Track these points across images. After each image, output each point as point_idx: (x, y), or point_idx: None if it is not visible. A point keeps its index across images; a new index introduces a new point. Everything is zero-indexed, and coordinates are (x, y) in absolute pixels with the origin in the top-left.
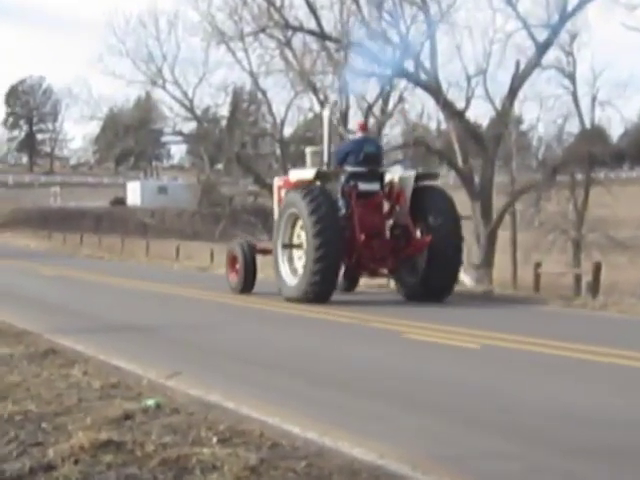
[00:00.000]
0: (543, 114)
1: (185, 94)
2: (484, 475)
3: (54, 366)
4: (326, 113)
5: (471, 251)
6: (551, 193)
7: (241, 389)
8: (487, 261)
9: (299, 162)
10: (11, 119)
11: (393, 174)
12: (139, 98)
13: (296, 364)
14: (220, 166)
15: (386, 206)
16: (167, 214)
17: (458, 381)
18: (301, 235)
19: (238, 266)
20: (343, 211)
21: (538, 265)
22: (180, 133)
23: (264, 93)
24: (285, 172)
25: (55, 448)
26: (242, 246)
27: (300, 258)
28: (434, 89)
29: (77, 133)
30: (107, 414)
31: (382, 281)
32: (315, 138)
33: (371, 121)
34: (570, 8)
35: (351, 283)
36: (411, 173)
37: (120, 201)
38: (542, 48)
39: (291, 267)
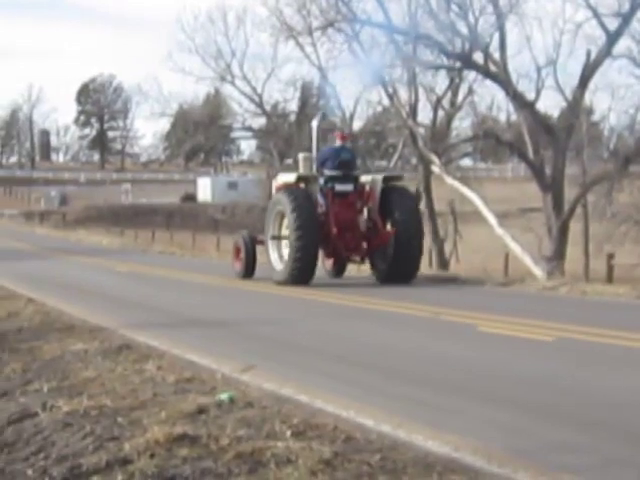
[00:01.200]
0: (615, 104)
1: (254, 89)
2: (560, 468)
3: (128, 361)
4: (314, 124)
5: (543, 243)
6: (623, 184)
7: (314, 382)
8: (559, 253)
9: (368, 156)
10: (82, 117)
11: (366, 177)
12: (208, 94)
13: (369, 357)
14: (290, 161)
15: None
16: (237, 209)
17: (532, 374)
18: (285, 229)
19: (241, 255)
20: (323, 208)
21: (611, 256)
22: (249, 128)
23: (333, 87)
24: None
25: (131, 442)
26: (244, 238)
27: (285, 248)
28: (504, 80)
29: (147, 130)
30: (182, 408)
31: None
32: (384, 131)
33: (440, 114)
34: None
35: (340, 270)
36: (379, 176)
37: (191, 197)
38: (613, 37)
39: (279, 255)
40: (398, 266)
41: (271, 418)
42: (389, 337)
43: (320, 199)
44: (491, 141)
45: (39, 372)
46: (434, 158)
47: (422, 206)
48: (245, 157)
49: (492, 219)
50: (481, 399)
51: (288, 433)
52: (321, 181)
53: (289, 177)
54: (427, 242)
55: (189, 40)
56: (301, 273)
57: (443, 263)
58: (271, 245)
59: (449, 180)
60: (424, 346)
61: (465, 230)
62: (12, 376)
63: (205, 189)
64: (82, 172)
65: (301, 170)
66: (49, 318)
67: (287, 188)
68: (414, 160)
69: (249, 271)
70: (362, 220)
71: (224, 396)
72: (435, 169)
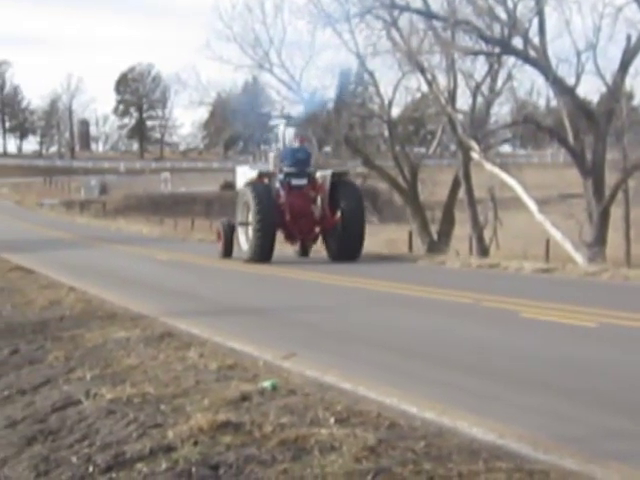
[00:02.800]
0: None
1: (292, 77)
2: (607, 455)
3: (170, 349)
4: (281, 128)
5: (583, 229)
6: None
7: (357, 369)
8: (600, 239)
9: (407, 143)
10: (121, 107)
11: (319, 172)
12: (247, 82)
13: (410, 344)
14: (328, 148)
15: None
16: None
17: (576, 360)
18: (250, 216)
19: (221, 239)
20: (282, 199)
21: None
22: (288, 116)
23: (371, 74)
24: (394, 153)
25: (174, 430)
26: (224, 224)
27: (251, 232)
28: (543, 66)
29: (186, 119)
30: (224, 396)
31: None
32: (423, 118)
33: (479, 100)
34: None
35: (304, 251)
36: (328, 172)
37: (230, 185)
38: None
39: (246, 238)
40: (345, 246)
41: (314, 405)
42: (429, 324)
43: (280, 191)
44: (531, 127)
45: (82, 360)
46: (473, 144)
47: (461, 193)
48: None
49: (532, 205)
50: (526, 385)
51: (331, 420)
52: (281, 176)
53: (253, 173)
54: (467, 229)
55: (227, 28)
56: (262, 252)
57: (483, 250)
58: (240, 230)
59: (488, 166)
60: (465, 333)
61: (505, 217)
62: (55, 364)
63: (244, 177)
64: (121, 161)
65: (271, 166)
66: (90, 306)
67: (251, 182)
68: (453, 147)
69: (228, 252)
70: (316, 209)
71: (267, 383)
72: (474, 155)
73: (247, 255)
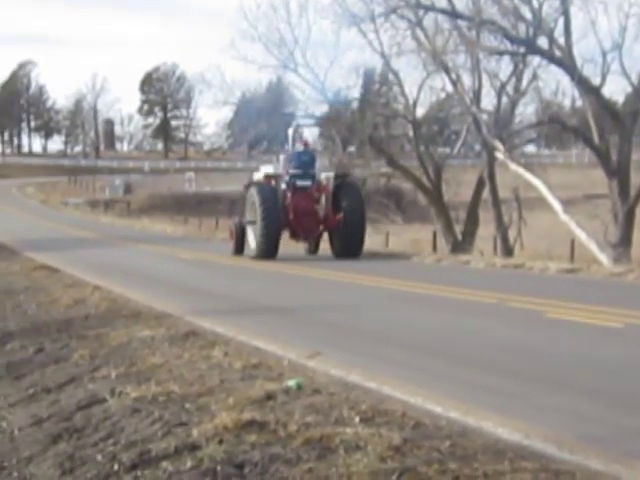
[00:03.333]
0: None
1: (317, 77)
2: (632, 455)
3: (195, 348)
4: (290, 131)
5: (608, 230)
6: None
7: (381, 369)
8: (625, 240)
9: (431, 143)
10: (146, 106)
11: (322, 174)
12: (271, 82)
13: (434, 344)
14: (352, 148)
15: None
16: None
17: (602, 360)
18: (256, 215)
19: (233, 237)
20: (288, 200)
21: None
22: (312, 116)
23: (396, 74)
24: (418, 153)
25: (199, 428)
26: (235, 223)
27: (256, 230)
28: (568, 65)
29: (210, 119)
30: (249, 394)
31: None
32: (447, 118)
33: (504, 100)
34: None
35: (315, 248)
36: (331, 174)
37: None
38: None
39: (254, 236)
40: (347, 243)
41: (339, 404)
42: (454, 323)
43: (286, 192)
44: (556, 127)
45: (107, 358)
46: (498, 144)
47: (486, 193)
48: None
49: (557, 205)
50: (550, 385)
51: (356, 419)
52: (287, 178)
53: (260, 175)
54: (491, 229)
55: (252, 28)
56: (267, 249)
57: (507, 250)
58: (249, 228)
59: (513, 166)
60: (490, 332)
61: (529, 217)
62: (80, 362)
63: None
64: (146, 161)
65: (281, 167)
66: (115, 305)
67: (258, 183)
68: (477, 147)
69: (239, 249)
70: (320, 208)
71: (292, 382)
72: (499, 155)
73: (254, 252)
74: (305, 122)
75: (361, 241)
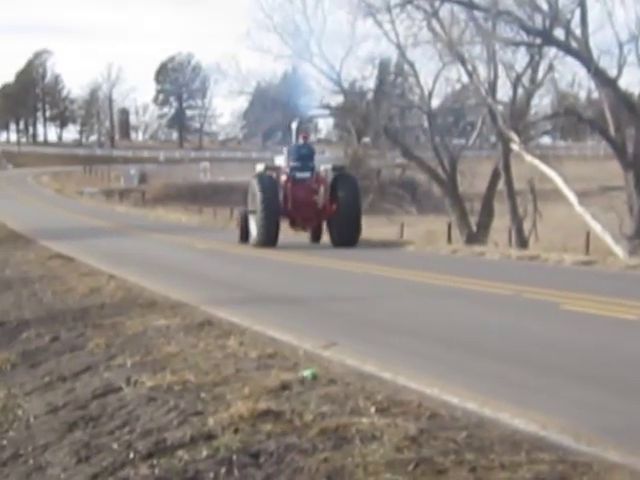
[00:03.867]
0: None
1: (332, 67)
2: None
3: (210, 337)
4: (294, 125)
5: (624, 222)
6: None
7: (396, 359)
8: None
9: (447, 134)
10: (161, 96)
11: (321, 167)
12: (286, 72)
13: (450, 335)
14: (367, 139)
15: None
16: None
17: (618, 352)
18: (257, 205)
19: (239, 226)
20: (288, 191)
21: None
22: (327, 107)
23: (411, 65)
24: (433, 144)
25: (215, 417)
26: (240, 212)
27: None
28: (585, 57)
29: (225, 109)
30: (265, 384)
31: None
32: (463, 109)
33: (520, 91)
34: None
35: (317, 238)
36: (329, 166)
37: None
38: None
39: (255, 224)
40: (344, 232)
41: (354, 394)
42: (470, 314)
43: (287, 184)
44: (572, 119)
45: (122, 347)
46: (513, 136)
47: (501, 185)
48: (322, 135)
49: (572, 197)
50: (566, 377)
51: (372, 409)
52: (287, 170)
53: (260, 167)
54: (506, 221)
55: (267, 18)
56: (267, 237)
57: (522, 242)
58: (250, 217)
59: (528, 158)
60: (506, 324)
61: (544, 208)
62: (96, 351)
63: None
64: (161, 150)
65: (285, 160)
66: (131, 294)
67: (259, 175)
68: (493, 138)
69: (244, 237)
70: (319, 199)
71: (307, 372)
72: (514, 147)
73: (255, 240)
74: (310, 115)
75: (357, 230)
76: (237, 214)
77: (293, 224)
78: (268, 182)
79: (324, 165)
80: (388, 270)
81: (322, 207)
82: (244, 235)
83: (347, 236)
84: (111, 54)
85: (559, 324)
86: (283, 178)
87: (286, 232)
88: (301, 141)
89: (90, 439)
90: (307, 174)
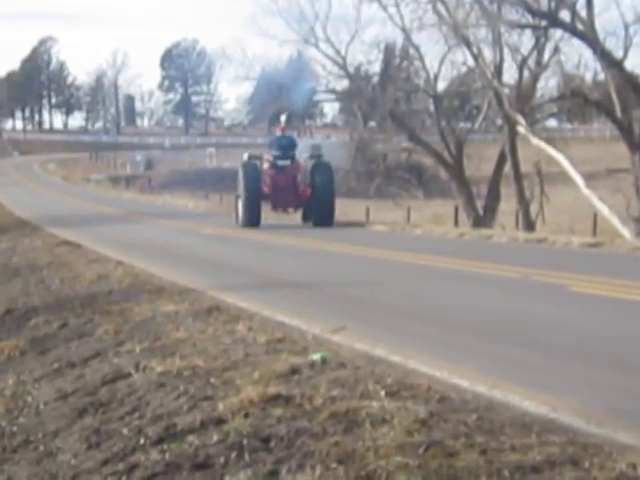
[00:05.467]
0: None
1: (337, 52)
2: None
3: (219, 322)
4: (283, 117)
5: (631, 204)
6: None
7: (406, 343)
8: None
9: (453, 118)
10: (166, 82)
11: (301, 155)
12: (291, 57)
13: (458, 318)
14: (373, 123)
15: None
16: None
17: (628, 333)
18: (241, 189)
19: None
20: (270, 177)
21: None
22: (333, 91)
23: (417, 48)
24: (439, 128)
25: (225, 402)
26: (235, 197)
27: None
28: (591, 39)
29: (231, 94)
30: (274, 368)
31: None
32: (468, 92)
33: (526, 74)
34: None
35: (305, 219)
36: (306, 154)
37: None
38: None
39: (241, 207)
40: (320, 213)
41: (364, 378)
42: (478, 297)
43: (269, 170)
44: (578, 101)
45: (131, 333)
46: (520, 119)
47: (507, 168)
48: (328, 120)
49: (579, 180)
50: (576, 358)
51: (382, 393)
52: (270, 158)
53: (246, 155)
54: (512, 204)
55: (272, 3)
56: (250, 218)
57: (529, 224)
58: (238, 201)
59: (535, 141)
60: (515, 306)
61: (551, 191)
62: (104, 337)
63: None
64: (167, 137)
65: (267, 149)
66: (138, 280)
67: (244, 163)
68: (499, 121)
69: (237, 219)
70: (299, 184)
71: (316, 356)
72: (521, 130)
73: (241, 221)
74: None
75: (331, 212)
76: (234, 198)
77: (275, 207)
78: (251, 169)
79: (303, 154)
80: (395, 254)
81: (301, 191)
82: (237, 217)
83: (322, 216)
84: (116, 40)
85: (568, 306)
86: (266, 166)
87: (279, 217)
88: (279, 133)
89: (100, 425)
90: (287, 162)
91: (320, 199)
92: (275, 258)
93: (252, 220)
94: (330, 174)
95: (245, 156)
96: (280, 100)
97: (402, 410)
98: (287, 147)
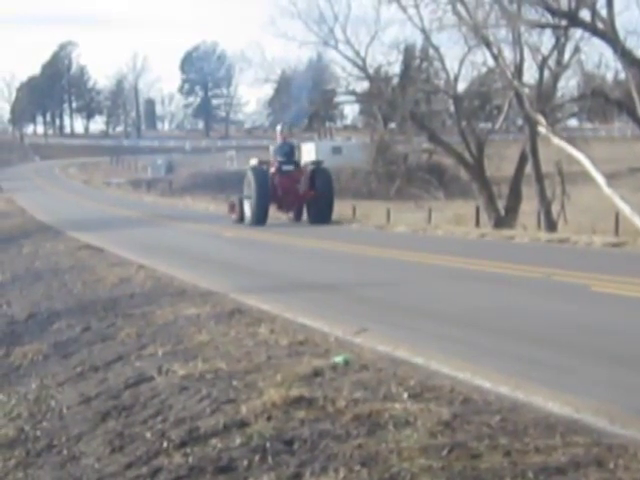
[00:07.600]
0: None
1: (357, 53)
2: None
3: (241, 325)
4: (278, 128)
5: None
6: None
7: (428, 344)
8: None
9: (473, 118)
10: (186, 85)
11: (303, 161)
12: (311, 59)
13: (479, 318)
14: (393, 125)
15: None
16: (342, 174)
17: None
18: (252, 191)
19: (236, 209)
20: (276, 181)
21: None
22: (353, 93)
23: (437, 49)
24: (460, 128)
25: (247, 405)
26: (239, 198)
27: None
28: (611, 38)
29: (251, 97)
30: (297, 371)
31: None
32: (489, 93)
33: (546, 74)
34: None
35: (298, 218)
36: (309, 161)
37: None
38: None
39: (249, 208)
40: (319, 213)
41: (387, 380)
42: (498, 298)
43: (275, 175)
44: (599, 100)
45: (153, 337)
46: (540, 119)
47: (528, 168)
48: (349, 122)
49: (600, 179)
50: (598, 359)
51: (405, 395)
52: (276, 164)
53: (255, 161)
54: (534, 204)
55: (291, 5)
56: (258, 218)
57: (551, 224)
58: (246, 202)
59: (556, 140)
60: (537, 306)
61: (572, 191)
62: (127, 341)
63: (309, 154)
64: (187, 140)
65: (272, 156)
66: (160, 283)
67: (253, 167)
68: (520, 121)
69: (240, 219)
70: (301, 187)
71: (339, 359)
72: (541, 130)
73: (249, 221)
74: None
75: (329, 212)
76: (234, 200)
77: (280, 207)
78: (260, 173)
79: (305, 160)
80: (417, 255)
81: (302, 193)
82: (240, 217)
83: (322, 216)
84: (136, 44)
85: (590, 306)
86: (272, 170)
87: (279, 216)
88: (280, 141)
89: (123, 429)
90: (291, 167)
91: (320, 200)
92: (294, 260)
93: (260, 220)
94: (329, 179)
95: (254, 161)
96: (300, 102)
97: (425, 412)
98: (289, 153)
